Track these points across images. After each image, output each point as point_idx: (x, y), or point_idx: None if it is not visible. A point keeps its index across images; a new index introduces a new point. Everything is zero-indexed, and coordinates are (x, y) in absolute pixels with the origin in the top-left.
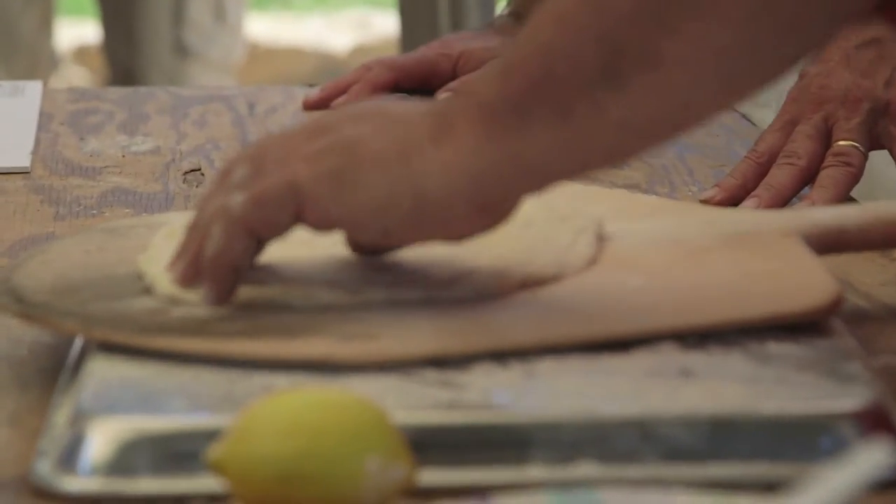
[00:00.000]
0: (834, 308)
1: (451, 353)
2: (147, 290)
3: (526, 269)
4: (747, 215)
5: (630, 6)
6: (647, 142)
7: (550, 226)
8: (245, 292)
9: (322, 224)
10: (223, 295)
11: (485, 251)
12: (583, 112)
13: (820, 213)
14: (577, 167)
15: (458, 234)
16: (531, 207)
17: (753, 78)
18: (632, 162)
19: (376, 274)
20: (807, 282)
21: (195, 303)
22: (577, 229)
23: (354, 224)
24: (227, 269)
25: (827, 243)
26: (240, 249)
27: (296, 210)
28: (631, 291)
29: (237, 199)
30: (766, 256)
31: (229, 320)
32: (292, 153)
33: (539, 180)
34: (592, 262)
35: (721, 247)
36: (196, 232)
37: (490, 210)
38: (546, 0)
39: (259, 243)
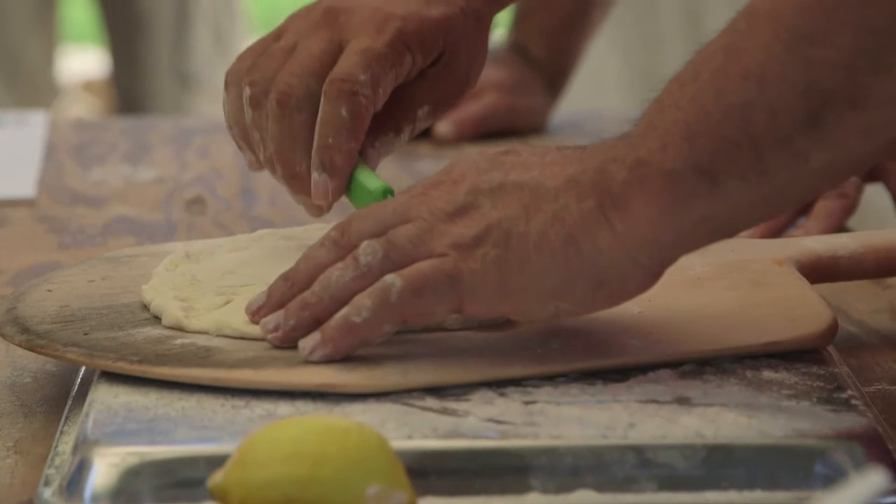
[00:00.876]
0: (829, 336)
1: (451, 381)
2: (150, 320)
3: None
4: (740, 244)
5: (843, 53)
6: (842, 180)
7: None
8: (248, 321)
9: (486, 315)
10: (334, 358)
11: None
12: (781, 165)
13: (812, 242)
14: (768, 216)
15: (628, 299)
16: None
17: None
18: None
19: None
20: (802, 310)
21: (198, 332)
22: None
23: (522, 312)
24: (361, 343)
25: (819, 272)
26: (385, 332)
27: (455, 303)
28: (629, 319)
29: (396, 283)
30: (761, 285)
31: (233, 349)
32: (437, 235)
33: (724, 235)
34: None
35: (716, 275)
36: (305, 293)
37: (664, 270)
38: (709, 58)
39: None
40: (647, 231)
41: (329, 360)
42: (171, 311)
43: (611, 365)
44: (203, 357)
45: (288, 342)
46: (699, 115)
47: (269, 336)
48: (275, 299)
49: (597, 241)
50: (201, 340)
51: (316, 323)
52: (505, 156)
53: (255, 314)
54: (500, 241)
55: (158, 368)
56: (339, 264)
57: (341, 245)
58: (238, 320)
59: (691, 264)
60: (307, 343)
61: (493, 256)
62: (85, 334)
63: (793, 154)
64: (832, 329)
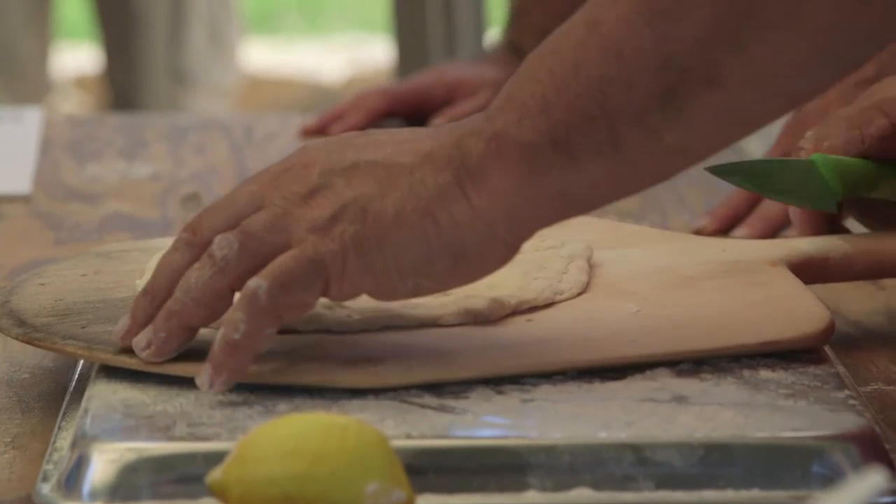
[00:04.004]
0: (827, 336)
1: (451, 378)
2: None
3: (520, 296)
4: (733, 244)
5: (700, 28)
6: (697, 161)
7: (542, 253)
8: None
9: (349, 295)
10: (234, 380)
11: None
12: (636, 141)
13: (803, 244)
14: (623, 194)
15: (488, 273)
16: None
17: (814, 89)
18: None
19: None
20: (800, 310)
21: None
22: (569, 256)
23: (385, 289)
24: (250, 355)
25: (811, 273)
26: (269, 335)
27: (321, 287)
28: (626, 317)
29: (261, 286)
30: (756, 285)
31: None
32: (293, 220)
33: (580, 210)
34: (585, 288)
35: (711, 274)
36: (167, 301)
37: (521, 244)
38: (570, 32)
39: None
40: (504, 204)
41: (231, 384)
42: None
43: (609, 362)
44: (205, 351)
45: (164, 355)
46: (557, 88)
47: (144, 354)
48: (139, 317)
49: (454, 214)
50: (200, 335)
51: (187, 330)
52: (356, 137)
53: (124, 338)
54: (357, 219)
55: (175, 366)
56: (196, 265)
57: (195, 244)
58: None
59: (683, 264)
60: (203, 379)
61: (352, 233)
62: (82, 328)
63: (648, 130)
64: (830, 329)
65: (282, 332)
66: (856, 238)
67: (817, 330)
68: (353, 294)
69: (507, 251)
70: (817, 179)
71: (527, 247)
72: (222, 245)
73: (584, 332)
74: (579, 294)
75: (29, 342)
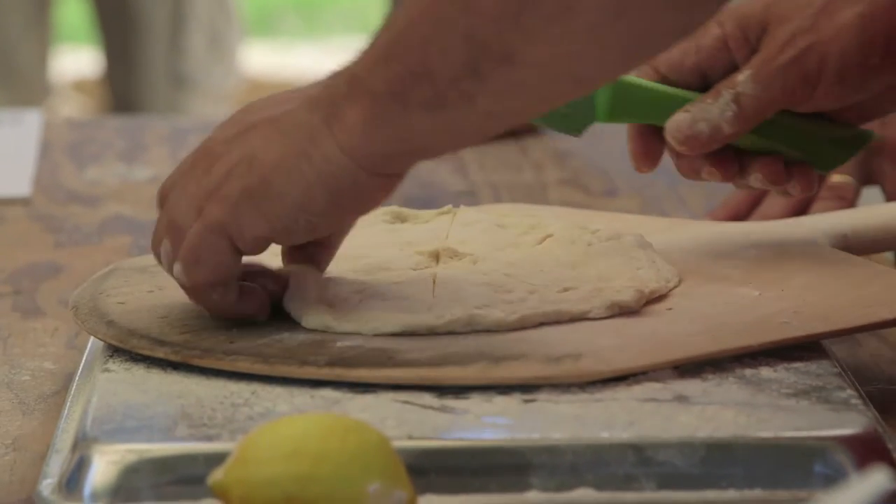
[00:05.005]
0: None
1: (648, 367)
2: (275, 324)
3: (648, 286)
4: (755, 227)
5: (493, 8)
6: (515, 124)
7: (612, 244)
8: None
9: (256, 246)
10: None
11: (586, 269)
12: (454, 102)
13: (822, 222)
14: (458, 147)
15: (372, 205)
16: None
17: (602, 77)
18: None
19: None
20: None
21: (349, 332)
22: (638, 245)
23: (282, 232)
24: (231, 307)
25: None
26: (217, 299)
27: (229, 245)
28: (757, 301)
29: (177, 268)
30: (834, 263)
31: (405, 349)
32: (199, 195)
33: (428, 155)
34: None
35: (777, 257)
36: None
37: (397, 178)
38: None
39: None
40: (361, 141)
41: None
42: (318, 313)
43: (774, 343)
44: (389, 358)
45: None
46: (397, 41)
47: None
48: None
49: (324, 151)
50: (360, 341)
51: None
52: (256, 102)
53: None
54: (243, 173)
55: (353, 371)
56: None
57: (154, 253)
58: (394, 316)
59: (731, 251)
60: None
61: (239, 188)
62: (230, 342)
63: (462, 95)
64: None
65: (440, 333)
66: (861, 212)
67: None
68: (260, 243)
69: (382, 183)
70: (588, 99)
71: (586, 238)
72: (163, 253)
73: (732, 317)
74: (680, 282)
75: (187, 360)
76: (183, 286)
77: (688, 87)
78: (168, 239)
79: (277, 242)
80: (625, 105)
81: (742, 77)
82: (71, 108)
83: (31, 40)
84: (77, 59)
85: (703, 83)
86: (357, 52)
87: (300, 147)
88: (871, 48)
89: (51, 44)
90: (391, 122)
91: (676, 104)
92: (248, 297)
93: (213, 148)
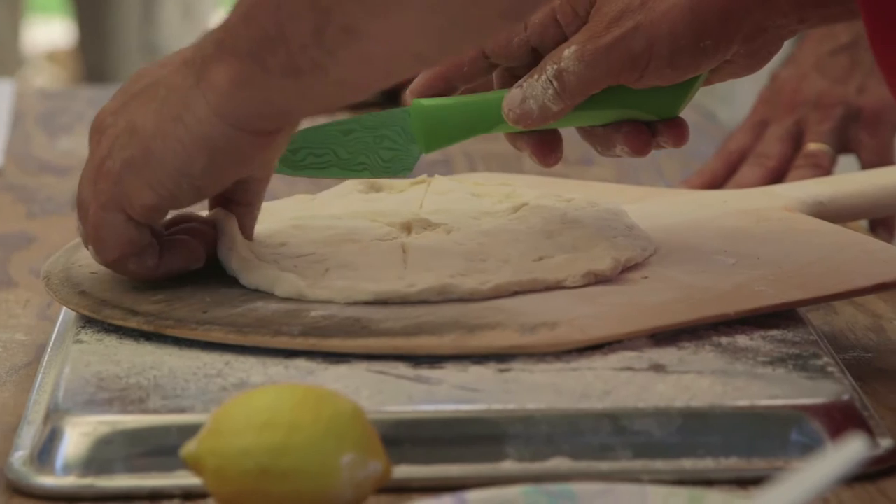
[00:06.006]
0: None
1: (623, 335)
2: (249, 294)
3: (624, 254)
4: (731, 195)
5: None
6: (365, 94)
7: (588, 211)
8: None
9: (148, 215)
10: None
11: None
12: (308, 69)
13: (795, 190)
14: (322, 112)
15: (252, 163)
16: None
17: (442, 54)
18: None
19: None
20: (880, 252)
21: (324, 301)
22: (615, 213)
23: (168, 198)
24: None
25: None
26: (134, 268)
27: (125, 218)
28: (732, 269)
29: (91, 249)
30: (811, 231)
31: (379, 318)
32: (92, 171)
33: (293, 117)
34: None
35: (759, 224)
36: None
37: (271, 135)
38: None
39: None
40: (229, 101)
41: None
42: (291, 281)
43: (750, 311)
44: (363, 328)
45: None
46: (259, 4)
47: None
48: None
49: (196, 112)
50: (334, 310)
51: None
52: (137, 74)
53: None
54: (125, 144)
55: (327, 341)
56: None
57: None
58: (367, 285)
59: (711, 216)
60: None
61: (121, 161)
62: (204, 312)
63: (313, 62)
64: None
65: (416, 302)
66: (837, 179)
67: None
68: (151, 212)
69: (260, 141)
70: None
71: (562, 207)
72: (80, 235)
73: (709, 285)
74: (656, 250)
75: (160, 330)
76: (100, 264)
77: (520, 64)
78: (79, 219)
79: (168, 208)
80: (440, 128)
81: (567, 52)
82: (43, 78)
83: (4, 11)
84: (50, 30)
85: (535, 61)
86: (228, 11)
87: (175, 111)
88: (703, 29)
89: (23, 14)
90: (254, 84)
91: (491, 109)
92: (173, 253)
93: (103, 120)
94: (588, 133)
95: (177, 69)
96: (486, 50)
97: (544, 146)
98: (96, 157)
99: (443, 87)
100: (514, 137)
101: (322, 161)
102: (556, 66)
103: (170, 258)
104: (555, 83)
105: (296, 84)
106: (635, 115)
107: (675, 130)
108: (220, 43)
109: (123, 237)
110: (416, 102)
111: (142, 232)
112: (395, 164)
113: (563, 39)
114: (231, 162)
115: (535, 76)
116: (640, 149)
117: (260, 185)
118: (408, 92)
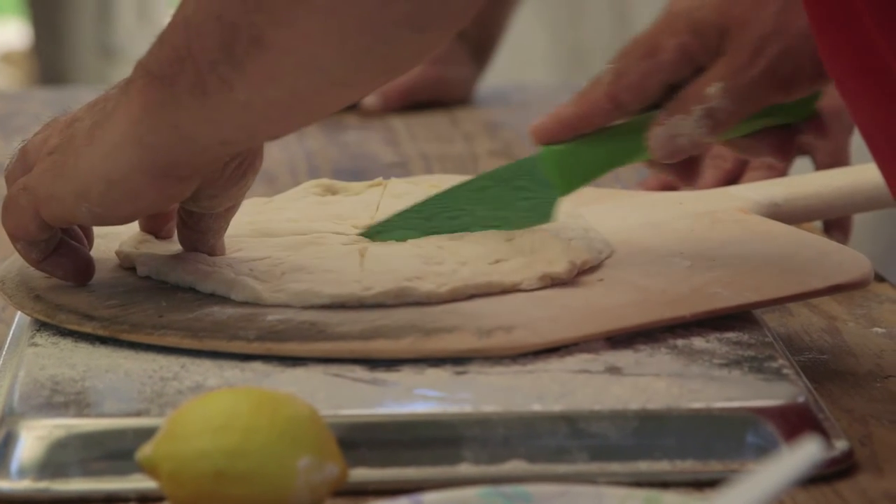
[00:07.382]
0: (871, 275)
1: (580, 338)
2: (204, 298)
3: (580, 257)
4: (686, 196)
5: None
6: (274, 125)
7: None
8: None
9: (54, 221)
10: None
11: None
12: (215, 89)
13: (749, 191)
14: (228, 140)
15: (147, 205)
16: None
17: (347, 73)
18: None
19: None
20: (835, 254)
21: (281, 305)
22: (572, 215)
23: (69, 216)
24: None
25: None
26: (20, 251)
27: (35, 212)
28: (689, 272)
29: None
30: (762, 234)
31: (336, 322)
32: (41, 148)
33: (201, 149)
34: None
35: (713, 227)
36: None
37: (171, 179)
38: None
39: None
40: (136, 128)
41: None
42: (248, 285)
43: (707, 314)
44: (319, 332)
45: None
46: (171, 24)
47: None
48: None
49: (105, 140)
50: (291, 314)
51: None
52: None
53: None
54: (65, 147)
55: (284, 345)
56: None
57: None
58: (324, 288)
59: (665, 219)
60: None
61: (53, 161)
62: (160, 317)
63: (221, 81)
64: (871, 271)
65: (372, 306)
66: (792, 180)
67: (867, 269)
68: (58, 222)
69: (157, 184)
70: (541, 177)
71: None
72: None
73: (664, 287)
74: (612, 252)
75: (116, 335)
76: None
77: (656, 105)
78: (4, 175)
79: (71, 224)
80: (576, 169)
81: (713, 90)
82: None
83: None
84: (5, 31)
85: (671, 96)
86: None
87: (89, 133)
88: None
89: None
90: (162, 108)
91: (625, 144)
92: (60, 261)
93: (79, 110)
94: (729, 142)
95: (117, 86)
96: (622, 96)
97: (690, 170)
98: (53, 141)
99: (569, 137)
100: (653, 162)
101: (459, 224)
102: (705, 106)
103: (55, 263)
104: (708, 121)
105: (203, 105)
106: (775, 122)
107: (815, 123)
108: (139, 65)
109: (23, 223)
110: (546, 148)
111: (41, 230)
112: (537, 213)
113: (699, 71)
114: (128, 198)
115: (681, 115)
116: (786, 154)
117: (216, 221)
118: (534, 136)
